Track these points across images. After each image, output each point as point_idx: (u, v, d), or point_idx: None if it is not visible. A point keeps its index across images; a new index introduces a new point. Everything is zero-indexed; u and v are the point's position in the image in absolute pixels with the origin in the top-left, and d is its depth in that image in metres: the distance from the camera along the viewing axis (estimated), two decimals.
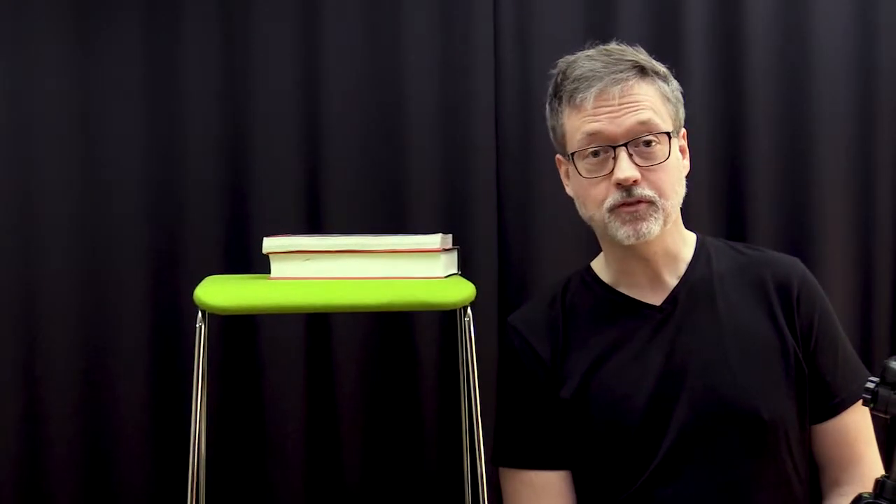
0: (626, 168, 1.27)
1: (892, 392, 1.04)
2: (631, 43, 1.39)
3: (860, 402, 1.17)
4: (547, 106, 1.40)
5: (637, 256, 1.37)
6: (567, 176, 1.40)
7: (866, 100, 1.88)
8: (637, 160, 1.29)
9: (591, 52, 1.35)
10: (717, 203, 1.86)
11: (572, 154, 1.33)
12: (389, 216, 1.81)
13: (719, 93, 1.86)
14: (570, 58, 1.36)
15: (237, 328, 1.80)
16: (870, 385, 1.05)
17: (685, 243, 1.42)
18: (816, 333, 1.36)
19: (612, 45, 1.36)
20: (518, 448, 1.42)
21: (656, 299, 1.38)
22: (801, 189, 1.87)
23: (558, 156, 1.41)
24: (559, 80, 1.35)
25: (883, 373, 1.05)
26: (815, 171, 1.86)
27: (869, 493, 1.05)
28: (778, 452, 1.32)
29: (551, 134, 1.40)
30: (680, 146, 1.37)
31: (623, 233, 1.30)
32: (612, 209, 1.30)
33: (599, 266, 1.46)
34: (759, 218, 1.85)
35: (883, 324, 1.89)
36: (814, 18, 1.85)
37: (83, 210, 1.77)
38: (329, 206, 1.81)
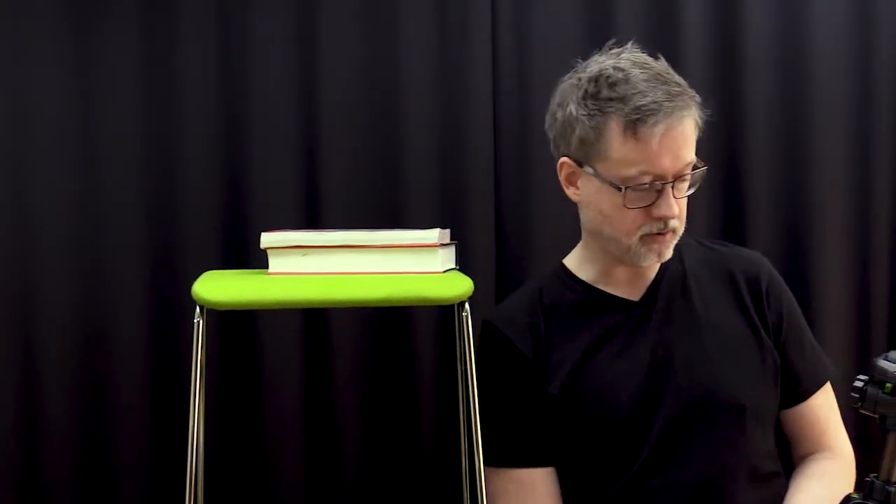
0: (673, 205, 1.30)
1: (879, 391, 1.05)
2: (647, 50, 1.37)
3: (826, 385, 1.42)
4: (574, 107, 1.32)
5: (622, 264, 1.41)
6: (570, 182, 1.38)
7: (864, 97, 1.88)
8: (675, 193, 1.31)
9: (636, 69, 1.28)
10: (714, 201, 1.86)
11: (625, 187, 1.29)
12: (387, 211, 1.81)
13: (717, 90, 1.85)
14: (615, 68, 1.29)
15: (235, 323, 1.80)
16: (858, 384, 1.06)
17: None
18: (785, 326, 1.42)
19: (656, 65, 1.31)
20: (504, 447, 1.42)
21: (634, 295, 1.42)
22: (799, 187, 1.87)
23: (565, 159, 1.37)
24: (604, 93, 1.28)
25: (871, 371, 1.06)
26: (814, 169, 1.86)
27: (858, 494, 1.07)
28: (759, 438, 1.38)
29: (574, 138, 1.33)
30: None
31: (648, 258, 1.35)
32: (643, 237, 1.33)
33: (574, 264, 1.48)
34: (756, 216, 1.86)
35: (880, 321, 1.90)
36: (812, 16, 1.85)
37: (81, 206, 1.77)
38: (327, 202, 1.81)
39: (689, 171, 1.30)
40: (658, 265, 1.43)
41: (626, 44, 1.37)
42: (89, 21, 1.76)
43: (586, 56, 1.40)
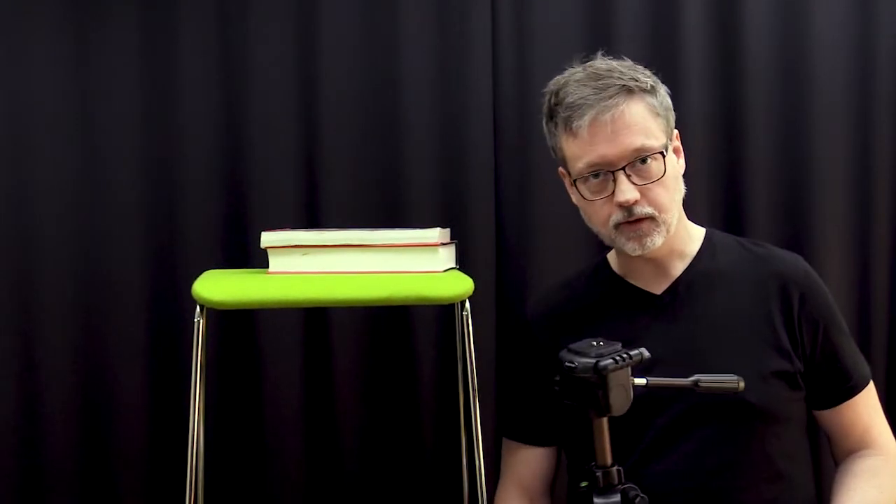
0: (625, 191, 1.33)
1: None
2: (617, 55, 1.42)
3: (870, 384, 1.45)
4: (544, 125, 1.43)
5: (643, 258, 1.42)
6: (572, 186, 1.44)
7: (864, 96, 1.87)
8: (635, 180, 1.34)
9: (579, 74, 1.37)
10: (715, 201, 1.86)
11: (574, 179, 1.39)
12: (387, 210, 1.81)
13: (717, 89, 1.86)
14: (561, 80, 1.39)
15: (235, 323, 1.80)
16: (558, 378, 1.10)
17: (691, 238, 1.47)
18: (824, 328, 1.42)
19: (599, 64, 1.39)
20: (503, 417, 1.58)
21: (658, 288, 1.44)
22: (799, 185, 1.87)
23: (561, 169, 1.44)
24: (552, 102, 1.39)
25: (560, 365, 1.10)
26: (814, 169, 1.86)
27: (585, 483, 1.11)
28: (764, 435, 1.37)
29: (551, 152, 1.44)
30: (675, 147, 1.41)
31: (630, 247, 1.37)
32: (617, 226, 1.36)
33: (612, 257, 1.51)
34: (756, 216, 1.86)
35: (880, 321, 1.89)
36: (812, 15, 1.85)
37: (82, 206, 1.77)
38: (327, 201, 1.81)
39: (638, 155, 1.33)
40: (687, 262, 1.44)
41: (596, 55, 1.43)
42: (89, 21, 1.76)
43: (586, 56, 1.42)
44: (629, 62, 1.40)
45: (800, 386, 1.40)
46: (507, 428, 1.54)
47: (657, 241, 1.36)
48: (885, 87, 1.87)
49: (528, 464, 1.50)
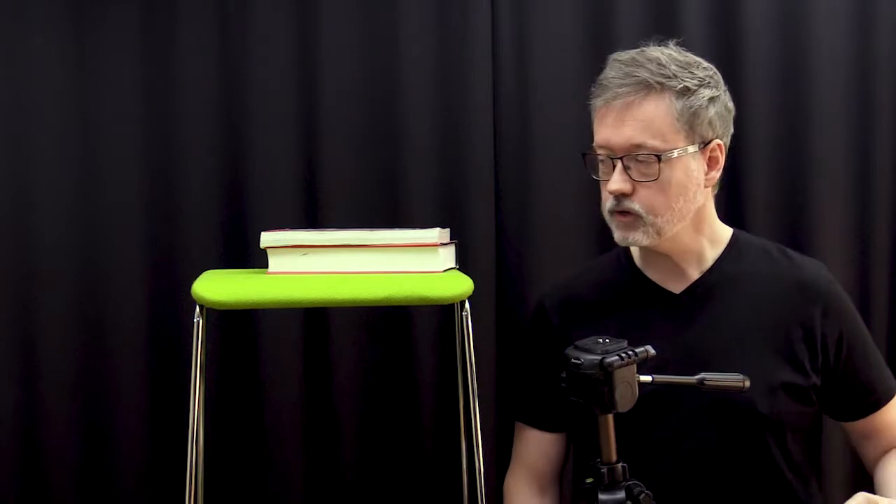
0: (615, 181, 1.34)
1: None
2: (689, 46, 1.40)
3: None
4: None
5: (655, 251, 1.42)
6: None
7: (865, 95, 1.87)
8: (633, 174, 1.34)
9: (627, 55, 1.37)
10: (715, 200, 1.86)
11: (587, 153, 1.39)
12: (387, 211, 1.81)
13: None
14: (616, 54, 1.39)
15: (235, 323, 1.80)
16: (564, 374, 1.10)
17: (712, 242, 1.45)
18: (847, 342, 1.42)
19: (648, 52, 1.36)
20: (513, 401, 1.59)
21: (677, 287, 1.43)
22: (799, 185, 1.87)
23: None
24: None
25: (566, 363, 1.10)
26: (814, 169, 1.86)
27: (590, 480, 1.11)
28: (771, 445, 1.36)
29: None
30: (711, 157, 1.38)
31: (616, 235, 1.38)
32: (610, 212, 1.38)
33: (635, 248, 1.49)
34: (755, 217, 1.86)
35: (880, 321, 1.89)
36: (812, 14, 1.85)
37: (82, 206, 1.77)
38: (327, 201, 1.81)
39: (635, 151, 1.32)
40: (709, 264, 1.43)
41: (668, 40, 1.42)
42: (89, 20, 1.76)
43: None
44: (688, 59, 1.37)
45: (811, 401, 1.39)
46: (518, 412, 1.55)
47: (641, 239, 1.36)
48: (886, 86, 1.87)
49: (538, 448, 1.52)
